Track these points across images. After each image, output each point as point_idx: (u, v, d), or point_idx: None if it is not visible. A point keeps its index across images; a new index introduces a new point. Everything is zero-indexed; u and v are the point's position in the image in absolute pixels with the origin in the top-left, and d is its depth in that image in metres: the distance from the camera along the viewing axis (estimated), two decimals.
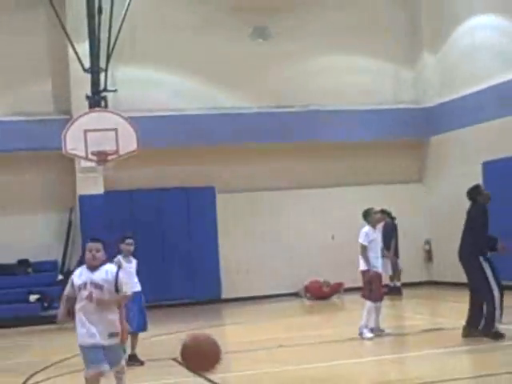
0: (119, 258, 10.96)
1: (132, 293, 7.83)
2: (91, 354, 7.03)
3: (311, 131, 19.39)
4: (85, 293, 7.08)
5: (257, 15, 19.44)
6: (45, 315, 16.28)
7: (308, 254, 19.73)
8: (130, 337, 10.85)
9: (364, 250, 12.16)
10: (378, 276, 12.23)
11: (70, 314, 7.31)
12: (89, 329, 7.04)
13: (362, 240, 12.21)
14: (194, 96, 19.10)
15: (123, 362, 7.38)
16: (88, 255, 7.17)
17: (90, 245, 7.21)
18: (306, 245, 19.79)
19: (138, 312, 10.85)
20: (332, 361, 10.37)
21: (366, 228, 12.30)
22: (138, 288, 11.00)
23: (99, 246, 7.21)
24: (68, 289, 7.29)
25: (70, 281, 7.32)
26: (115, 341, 7.19)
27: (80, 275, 7.21)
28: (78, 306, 7.13)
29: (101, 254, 7.19)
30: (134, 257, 11.14)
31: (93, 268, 7.14)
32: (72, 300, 7.25)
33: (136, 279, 11.03)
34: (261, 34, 19.64)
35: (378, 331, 12.16)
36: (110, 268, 7.27)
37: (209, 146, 18.80)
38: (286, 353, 11.40)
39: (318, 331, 13.49)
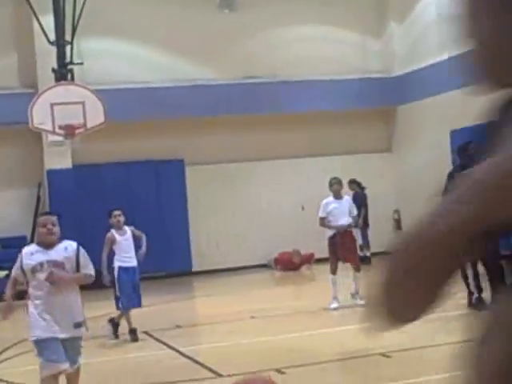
0: (112, 232, 10.80)
1: (94, 274, 6.43)
2: (50, 349, 5.97)
3: (279, 102, 19.35)
4: (42, 275, 6.01)
5: None
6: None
7: (278, 225, 19.77)
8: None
9: (322, 221, 12.31)
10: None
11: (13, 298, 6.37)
12: (49, 320, 6.02)
13: (319, 212, 12.39)
14: (161, 68, 18.97)
15: (80, 360, 6.24)
16: (42, 230, 6.11)
17: (44, 218, 6.22)
18: (276, 216, 19.83)
19: (132, 288, 10.69)
20: (303, 331, 10.44)
21: (328, 198, 12.43)
22: (133, 263, 10.76)
23: (55, 219, 6.13)
24: (16, 270, 6.24)
25: (18, 261, 6.26)
26: (80, 332, 6.19)
27: (31, 254, 6.11)
28: (32, 293, 6.12)
29: (58, 229, 6.12)
30: (128, 225, 10.98)
31: (48, 245, 6.10)
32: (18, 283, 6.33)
33: (130, 253, 10.81)
34: (228, 4, 19.50)
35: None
36: (69, 243, 6.25)
37: (177, 118, 18.69)
38: (258, 324, 11.45)
39: (288, 302, 13.56)
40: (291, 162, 20.04)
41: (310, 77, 19.70)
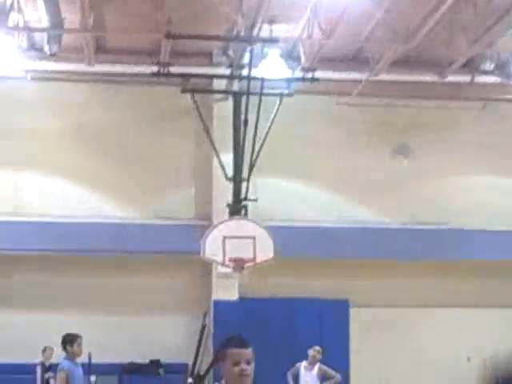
0: (301, 364, 10.81)
1: None
2: None
3: (451, 250, 19.03)
4: None
5: (398, 132, 19.58)
6: None
7: (442, 376, 19.16)
8: None
9: None
10: None
11: None
12: None
13: None
14: (332, 209, 19.23)
15: None
16: (235, 370, 4.24)
17: (239, 351, 4.29)
18: (440, 366, 19.23)
19: None
20: None
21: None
22: None
23: (251, 353, 4.34)
24: None
25: None
26: None
27: None
28: None
29: (253, 368, 4.35)
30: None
31: None
32: None
33: None
34: (402, 151, 19.71)
35: None
36: None
37: (344, 258, 18.75)
38: None
39: None
40: (458, 312, 19.53)
41: (479, 226, 19.32)
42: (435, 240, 19.16)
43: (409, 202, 19.54)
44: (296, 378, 10.99)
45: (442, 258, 19.13)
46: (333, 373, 11.29)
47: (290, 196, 19.07)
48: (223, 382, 4.34)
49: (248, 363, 4.30)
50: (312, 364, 10.96)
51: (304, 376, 10.73)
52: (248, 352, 4.34)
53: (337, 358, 18.66)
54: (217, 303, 18.19)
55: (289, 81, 17.23)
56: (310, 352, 11.90)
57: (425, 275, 19.42)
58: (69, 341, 11.33)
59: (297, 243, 18.22)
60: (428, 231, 19.29)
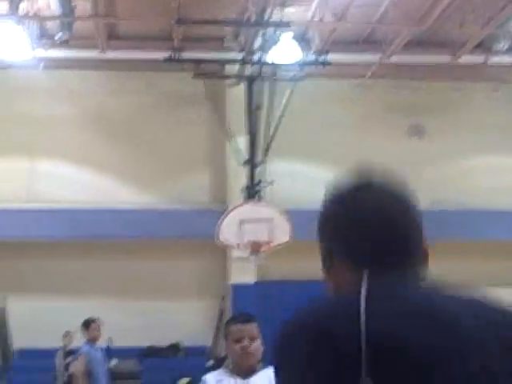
0: None
1: None
2: None
3: (465, 230, 19.04)
4: None
5: (411, 114, 19.57)
6: None
7: None
8: None
9: None
10: None
11: None
12: None
13: None
14: None
15: None
16: (236, 348, 3.98)
17: (240, 328, 4.03)
18: None
19: None
20: None
21: None
22: None
23: (255, 328, 4.00)
24: None
25: None
26: None
27: None
28: None
29: (258, 345, 3.98)
30: None
31: (244, 371, 3.99)
32: None
33: None
34: (416, 132, 19.71)
35: None
36: (269, 372, 3.71)
37: None
38: None
39: None
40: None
41: (494, 207, 19.28)
42: (451, 221, 19.15)
43: (424, 183, 19.48)
44: None
45: (457, 240, 19.11)
46: None
47: (304, 179, 19.10)
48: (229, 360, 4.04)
49: (252, 339, 3.95)
50: None
51: None
52: (251, 327, 3.99)
53: None
54: (234, 287, 18.29)
55: (301, 64, 17.26)
56: None
57: (442, 257, 19.33)
58: (85, 325, 11.51)
59: (313, 226, 18.18)
60: (443, 212, 19.25)
